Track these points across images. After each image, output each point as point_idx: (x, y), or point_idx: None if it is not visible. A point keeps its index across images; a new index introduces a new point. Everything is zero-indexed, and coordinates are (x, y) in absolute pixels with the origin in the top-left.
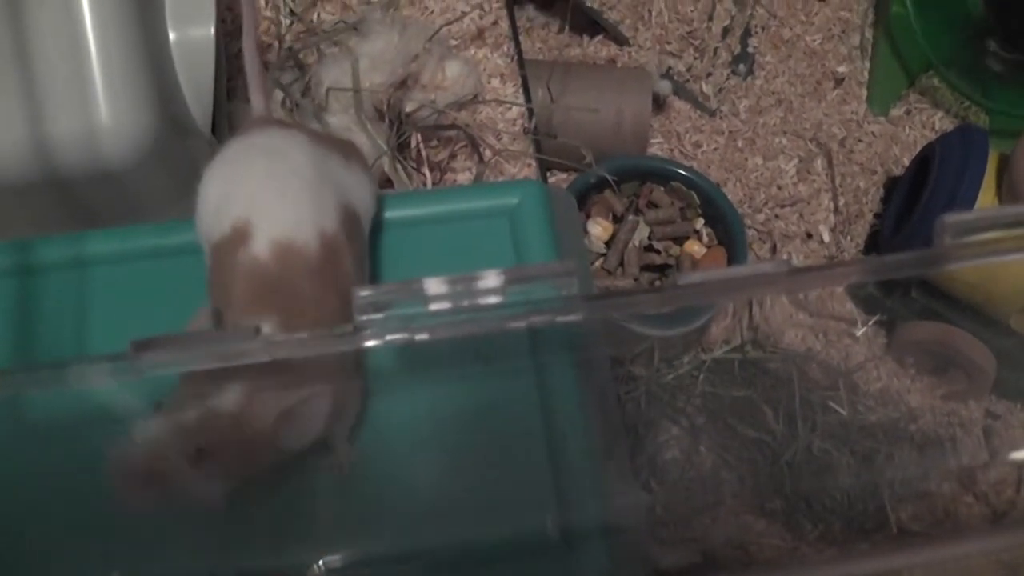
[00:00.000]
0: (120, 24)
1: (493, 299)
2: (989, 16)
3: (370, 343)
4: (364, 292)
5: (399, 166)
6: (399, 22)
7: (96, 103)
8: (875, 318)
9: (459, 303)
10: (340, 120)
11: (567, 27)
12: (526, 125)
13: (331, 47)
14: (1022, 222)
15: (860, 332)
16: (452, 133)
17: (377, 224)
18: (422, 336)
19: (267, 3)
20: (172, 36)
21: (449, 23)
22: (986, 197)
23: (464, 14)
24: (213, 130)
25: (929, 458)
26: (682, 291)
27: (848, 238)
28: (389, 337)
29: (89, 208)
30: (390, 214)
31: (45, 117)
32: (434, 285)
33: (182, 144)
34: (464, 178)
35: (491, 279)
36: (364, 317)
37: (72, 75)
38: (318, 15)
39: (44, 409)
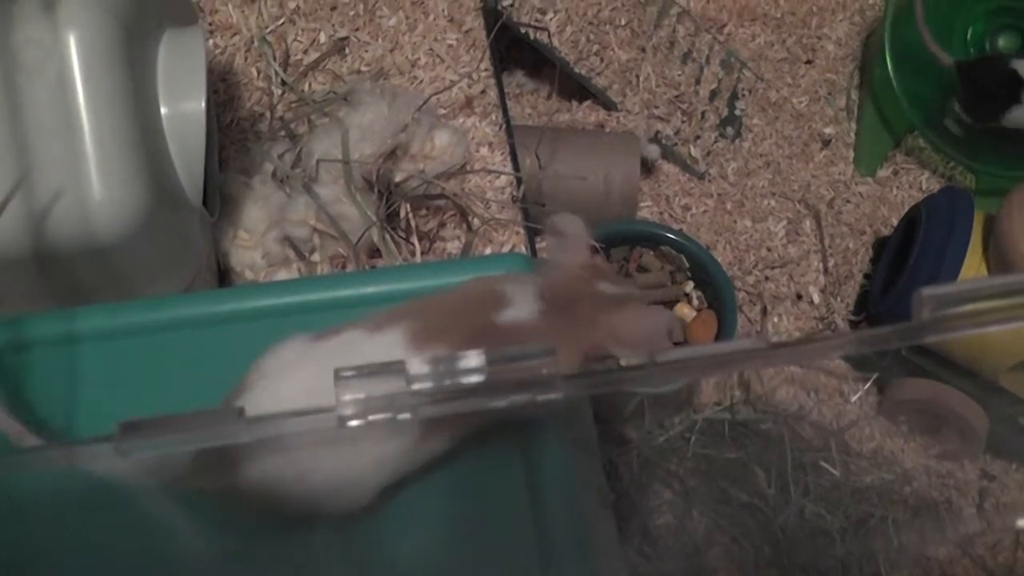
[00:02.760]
0: (113, 100)
1: (475, 379)
2: (960, 84)
3: (353, 423)
4: (347, 372)
5: (388, 236)
6: (388, 92)
7: (88, 179)
8: (868, 383)
9: (441, 383)
10: (330, 191)
11: (556, 93)
12: (515, 193)
13: (322, 118)
14: (999, 294)
15: (854, 398)
16: (441, 202)
17: (368, 299)
18: (404, 416)
19: (259, 73)
20: (164, 110)
21: (438, 92)
22: (973, 258)
23: (453, 83)
24: (204, 202)
25: (924, 522)
26: (662, 369)
27: (838, 299)
28: (372, 417)
29: (81, 282)
30: (377, 289)
31: (38, 192)
32: (416, 365)
33: (173, 217)
34: (453, 247)
35: (472, 359)
36: (347, 397)
37: (65, 150)
38: (309, 85)
39: (30, 488)
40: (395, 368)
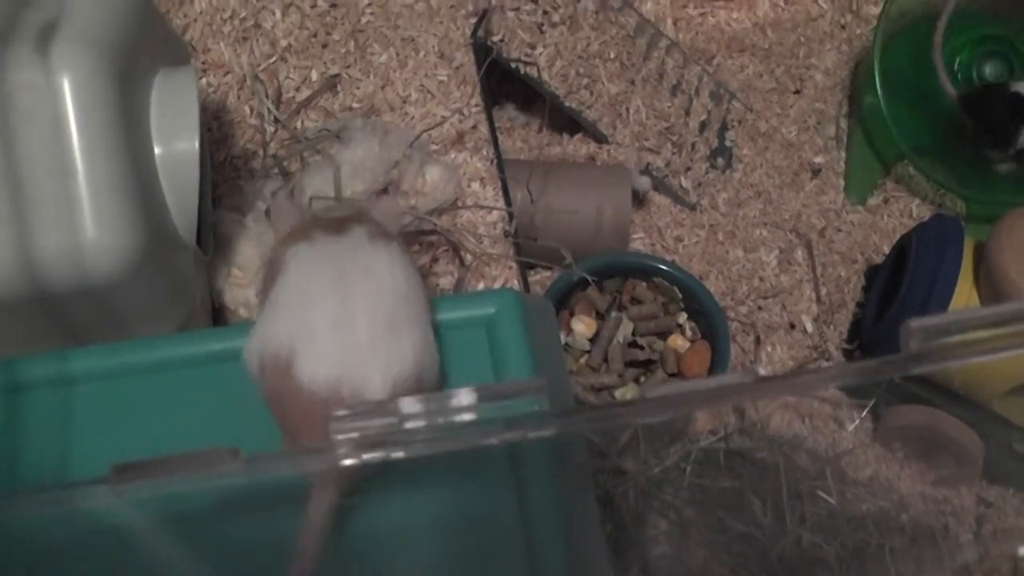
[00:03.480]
0: (107, 142)
1: (467, 416)
2: (963, 111)
3: (347, 461)
4: (341, 412)
5: None
6: (380, 129)
7: (82, 220)
8: (864, 411)
9: (434, 421)
10: None
11: (547, 126)
12: (506, 228)
13: (314, 155)
14: (988, 324)
15: (850, 427)
16: (433, 238)
17: None
18: (398, 454)
19: (251, 111)
20: (157, 150)
21: (429, 129)
22: (964, 285)
23: (444, 119)
24: (198, 240)
25: (922, 549)
26: (651, 405)
27: (831, 327)
28: (366, 456)
29: (75, 322)
30: None
31: (31, 234)
32: (409, 404)
33: (167, 257)
34: (446, 282)
35: (464, 397)
36: (341, 436)
37: (59, 192)
38: (302, 122)
39: (25, 531)
40: (388, 407)
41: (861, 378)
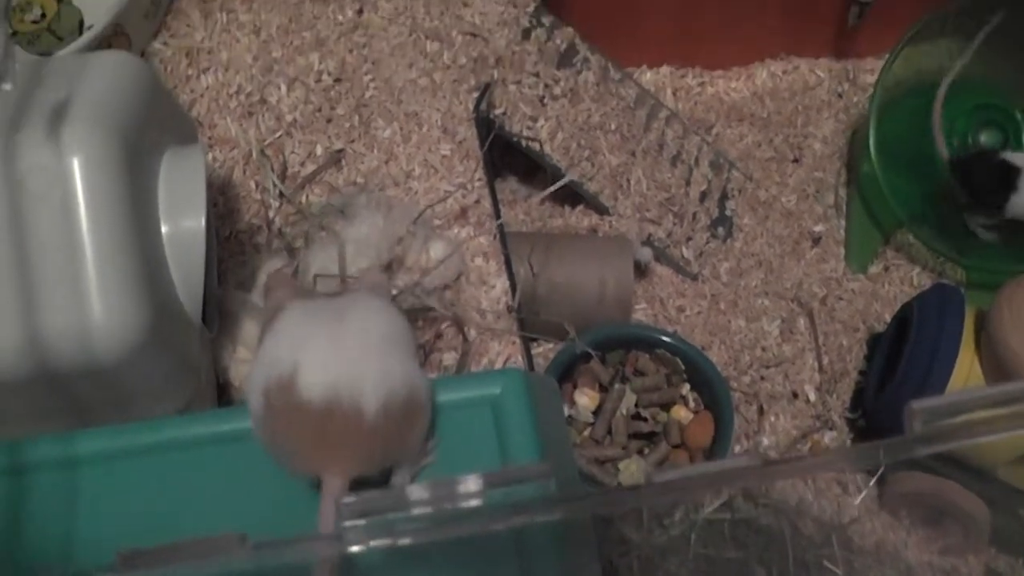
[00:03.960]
0: (115, 223)
1: (474, 502)
2: (951, 174)
3: (355, 548)
4: (348, 499)
5: None
6: (384, 204)
7: (89, 300)
8: (872, 480)
9: (441, 507)
10: None
11: (549, 198)
12: (510, 303)
13: (319, 231)
14: (990, 404)
15: (857, 500)
16: (437, 313)
17: None
18: (405, 541)
19: (257, 186)
20: (164, 228)
21: (432, 204)
22: (966, 355)
23: (448, 194)
24: (204, 318)
25: None
26: (656, 489)
27: (834, 396)
28: (373, 543)
29: (80, 400)
30: None
31: (39, 313)
32: (416, 491)
33: (173, 335)
34: (450, 358)
35: (471, 483)
36: (348, 523)
37: (66, 272)
38: (306, 197)
39: None
40: (395, 494)
41: (865, 462)
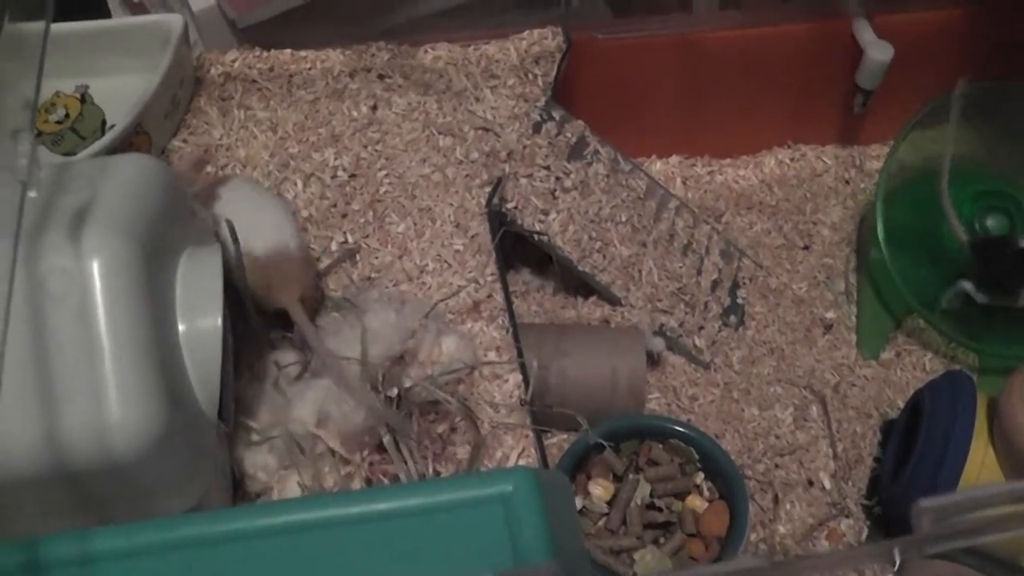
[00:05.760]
0: (132, 324)
1: None
2: (975, 262)
3: None
4: None
5: (399, 442)
6: (396, 299)
7: (107, 399)
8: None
9: None
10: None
11: (561, 289)
12: (523, 397)
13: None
14: (1001, 501)
15: None
16: (450, 407)
17: (373, 516)
18: None
19: None
20: (181, 327)
21: (446, 299)
22: (979, 443)
23: (460, 288)
24: (220, 412)
25: None
26: None
27: (850, 483)
28: None
29: (96, 497)
30: (384, 506)
31: (57, 413)
32: None
33: (189, 432)
34: (463, 451)
35: None
36: None
37: (84, 372)
38: (322, 292)
39: None
40: None
41: (877, 559)
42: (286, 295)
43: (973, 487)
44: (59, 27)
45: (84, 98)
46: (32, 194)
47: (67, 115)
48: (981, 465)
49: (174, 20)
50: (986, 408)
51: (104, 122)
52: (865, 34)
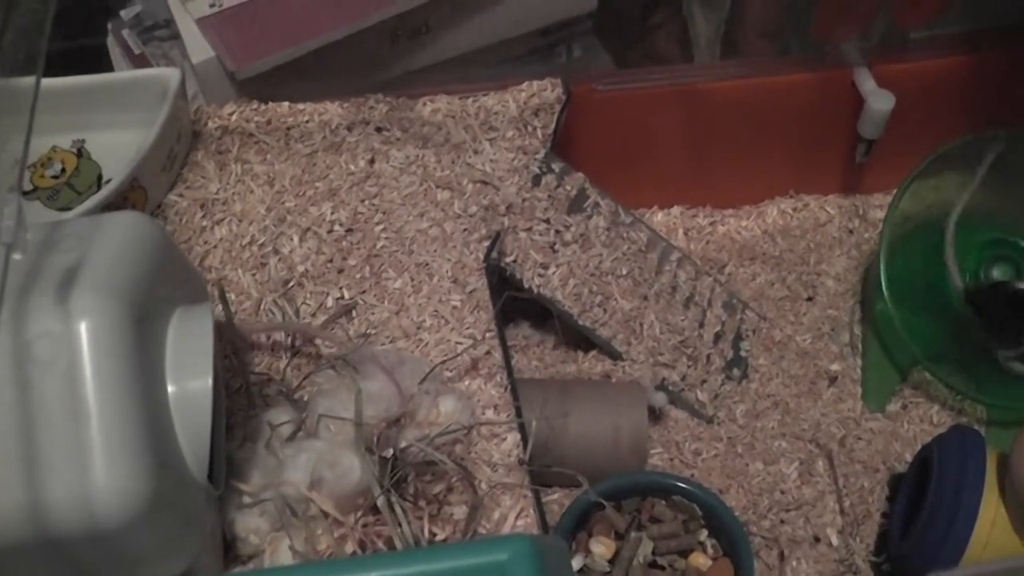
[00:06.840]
0: (120, 388)
1: None
2: (968, 305)
3: None
4: None
5: (395, 503)
6: (394, 358)
7: (93, 465)
8: None
9: None
10: (328, 450)
11: (561, 344)
12: (521, 456)
13: (328, 383)
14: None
15: None
16: (447, 467)
17: None
18: None
19: (268, 337)
20: (171, 389)
21: (445, 360)
22: (991, 498)
23: (458, 345)
24: (211, 475)
25: None
26: None
27: (858, 539)
28: None
29: (83, 564)
30: (379, 574)
31: (42, 479)
32: None
33: (178, 496)
34: (460, 512)
35: None
36: None
37: (70, 438)
38: (317, 348)
39: None
40: None
41: None
42: None
43: (979, 564)
44: (55, 81)
45: (80, 152)
46: (17, 256)
47: (63, 170)
48: (992, 523)
49: (171, 74)
50: (996, 464)
51: (100, 176)
52: (866, 83)
